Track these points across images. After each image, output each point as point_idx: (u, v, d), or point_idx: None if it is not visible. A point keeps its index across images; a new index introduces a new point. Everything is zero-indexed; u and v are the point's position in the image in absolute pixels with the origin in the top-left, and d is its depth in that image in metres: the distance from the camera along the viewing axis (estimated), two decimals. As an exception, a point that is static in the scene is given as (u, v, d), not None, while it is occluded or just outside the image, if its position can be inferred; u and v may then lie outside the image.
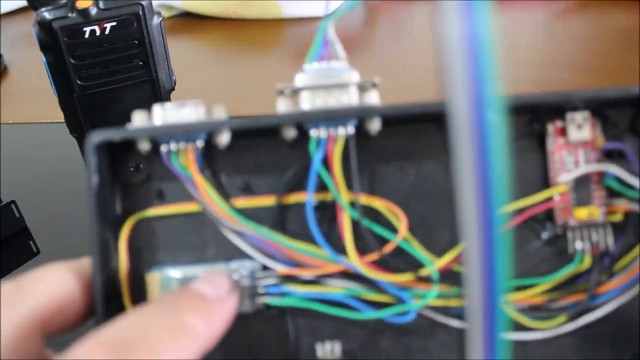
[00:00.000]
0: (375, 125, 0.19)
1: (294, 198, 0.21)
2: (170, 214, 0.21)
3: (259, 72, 0.65)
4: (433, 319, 0.21)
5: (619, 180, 0.20)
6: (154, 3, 0.38)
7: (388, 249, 0.20)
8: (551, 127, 0.20)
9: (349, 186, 0.20)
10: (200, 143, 0.20)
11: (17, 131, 0.56)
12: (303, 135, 0.20)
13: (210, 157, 0.20)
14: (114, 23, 0.36)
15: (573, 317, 0.20)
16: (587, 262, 0.21)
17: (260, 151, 0.21)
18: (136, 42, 0.37)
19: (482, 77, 0.12)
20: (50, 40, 0.36)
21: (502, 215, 0.12)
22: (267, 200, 0.21)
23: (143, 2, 0.37)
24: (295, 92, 0.20)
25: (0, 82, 0.65)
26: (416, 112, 0.20)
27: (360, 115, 0.19)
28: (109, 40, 0.37)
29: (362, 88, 0.20)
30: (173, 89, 0.41)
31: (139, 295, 0.21)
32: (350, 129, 0.20)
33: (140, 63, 0.38)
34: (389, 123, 0.20)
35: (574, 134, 0.20)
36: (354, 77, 0.20)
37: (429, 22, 0.73)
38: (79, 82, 0.37)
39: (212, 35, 0.73)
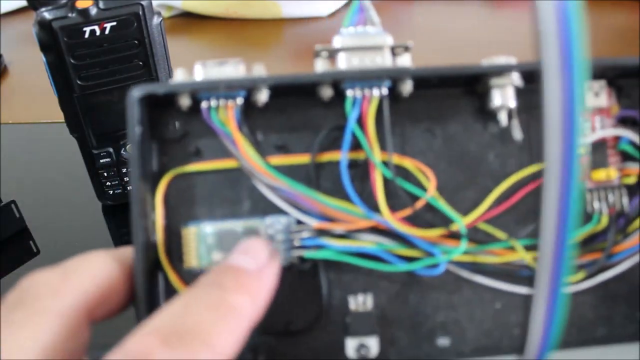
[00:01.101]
0: (407, 87, 0.20)
1: (328, 156, 0.21)
2: (206, 170, 0.21)
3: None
4: (460, 275, 0.21)
5: (633, 144, 0.21)
6: (154, 3, 0.38)
7: (418, 205, 0.21)
8: None
9: (382, 146, 0.21)
10: (239, 100, 0.20)
11: (17, 131, 0.56)
12: (338, 95, 0.21)
13: (248, 115, 0.21)
14: (114, 23, 0.36)
15: (591, 275, 0.21)
16: (604, 222, 0.22)
17: (296, 111, 0.21)
18: (136, 42, 0.37)
19: (572, 43, 0.14)
20: (50, 40, 0.36)
21: (578, 161, 0.13)
22: (302, 158, 0.21)
23: (143, 2, 0.37)
24: (332, 54, 0.21)
25: (0, 82, 0.65)
26: (446, 74, 0.21)
27: (394, 76, 0.20)
28: (109, 40, 0.37)
29: (396, 51, 0.21)
30: (173, 89, 0.41)
31: (176, 249, 0.21)
32: (384, 90, 0.20)
33: (140, 63, 0.38)
34: (419, 86, 0.21)
35: (591, 101, 0.21)
36: (388, 40, 0.21)
37: (428, 22, 0.73)
38: (79, 82, 0.37)
39: (212, 35, 0.73)
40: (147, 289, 0.19)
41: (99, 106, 0.39)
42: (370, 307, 0.21)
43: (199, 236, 0.21)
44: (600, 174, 0.22)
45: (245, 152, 0.20)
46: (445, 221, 0.21)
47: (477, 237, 0.21)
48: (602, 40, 0.68)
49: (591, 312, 0.22)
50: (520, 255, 0.21)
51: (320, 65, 0.21)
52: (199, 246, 0.21)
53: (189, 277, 0.21)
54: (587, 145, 0.21)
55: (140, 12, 0.37)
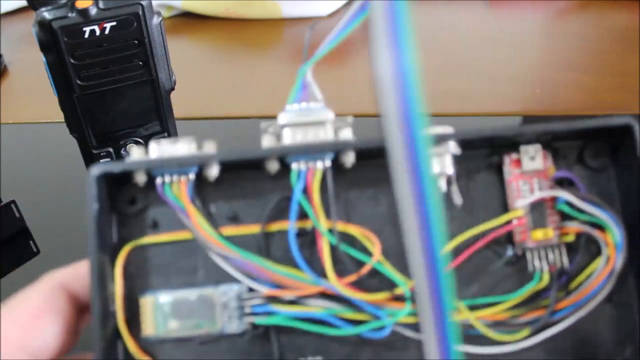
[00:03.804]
0: (349, 158, 0.22)
1: (277, 226, 0.22)
2: (163, 241, 0.22)
3: (259, 72, 0.65)
4: (406, 335, 0.22)
5: (570, 204, 0.22)
6: (154, 3, 0.38)
7: (364, 270, 0.22)
8: (507, 159, 0.23)
9: (328, 214, 0.22)
10: (192, 175, 0.22)
11: (17, 131, 0.56)
12: (285, 168, 0.22)
13: (201, 189, 0.22)
14: (114, 23, 0.36)
15: (535, 331, 0.22)
16: (546, 279, 0.23)
17: (246, 184, 0.23)
18: (136, 42, 0.37)
19: (411, 106, 0.14)
20: (50, 40, 0.36)
21: (443, 246, 0.14)
22: (253, 229, 0.22)
23: (143, 2, 0.37)
24: (277, 130, 0.22)
25: (0, 82, 0.65)
26: (384, 146, 0.21)
27: (335, 149, 0.22)
28: (109, 40, 0.37)
29: (338, 126, 0.22)
30: (173, 89, 0.41)
31: (133, 317, 0.22)
32: (328, 162, 0.22)
33: (140, 63, 0.38)
34: (362, 156, 0.22)
35: (528, 164, 0.23)
36: (330, 115, 0.22)
37: (428, 22, 0.73)
38: (79, 82, 0.37)
39: (212, 35, 0.73)
40: (106, 357, 0.20)
41: (99, 106, 0.39)
42: None
43: (156, 305, 0.22)
44: (539, 234, 0.23)
45: (198, 224, 0.22)
46: (391, 284, 0.22)
47: None
48: (602, 40, 0.68)
49: None
50: (465, 315, 0.22)
51: (267, 141, 0.22)
52: (155, 315, 0.22)
53: (147, 345, 0.22)
54: (526, 206, 0.23)
55: (140, 12, 0.37)
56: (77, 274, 0.22)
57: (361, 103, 0.55)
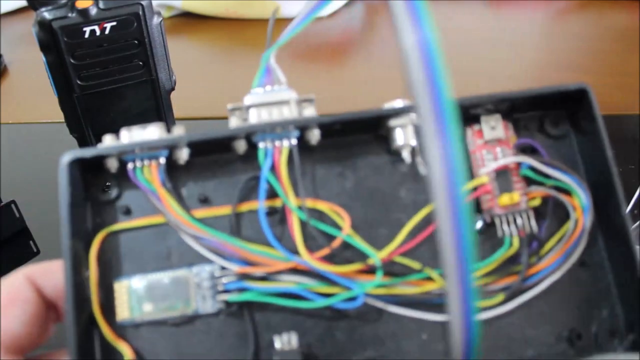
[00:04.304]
0: (315, 136, 0.22)
1: (248, 206, 0.23)
2: (136, 226, 0.23)
3: (259, 72, 0.65)
4: (381, 308, 0.22)
5: (534, 170, 0.23)
6: (154, 3, 0.38)
7: (335, 244, 0.22)
8: (469, 131, 0.23)
9: (296, 192, 0.22)
10: (162, 160, 0.22)
11: (17, 131, 0.56)
12: (253, 148, 0.22)
13: (172, 173, 0.22)
14: (114, 23, 0.36)
15: (510, 297, 0.22)
16: (516, 245, 0.23)
17: (216, 165, 0.23)
18: (136, 42, 0.37)
19: (436, 77, 0.14)
20: (50, 40, 0.36)
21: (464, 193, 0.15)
22: (225, 210, 0.23)
23: (143, 2, 0.37)
24: (244, 110, 0.23)
25: (0, 82, 0.65)
26: (347, 119, 0.22)
27: (299, 125, 0.22)
28: (109, 40, 0.37)
29: (301, 105, 0.23)
30: (173, 89, 0.41)
31: (108, 303, 0.22)
32: (293, 140, 0.22)
33: (140, 63, 0.38)
34: (327, 134, 0.22)
35: (489, 133, 0.23)
36: (293, 95, 0.23)
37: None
38: (79, 82, 0.37)
39: (212, 35, 0.73)
40: (80, 344, 0.20)
41: (99, 106, 0.39)
42: (296, 345, 0.22)
43: (130, 289, 0.22)
44: (505, 199, 0.23)
45: (170, 207, 0.22)
46: (363, 257, 0.22)
47: (394, 270, 0.22)
48: (602, 40, 0.68)
49: (518, 333, 0.23)
50: (438, 284, 0.22)
51: (234, 122, 0.23)
52: (130, 299, 0.22)
53: (122, 330, 0.22)
54: (490, 173, 0.23)
55: (140, 12, 0.37)
56: (46, 270, 0.22)
57: (361, 103, 0.55)
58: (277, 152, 0.22)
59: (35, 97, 0.59)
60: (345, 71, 0.64)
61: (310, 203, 0.23)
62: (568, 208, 0.23)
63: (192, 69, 0.64)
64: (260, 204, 0.22)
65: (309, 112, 0.23)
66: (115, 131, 0.22)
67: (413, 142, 0.22)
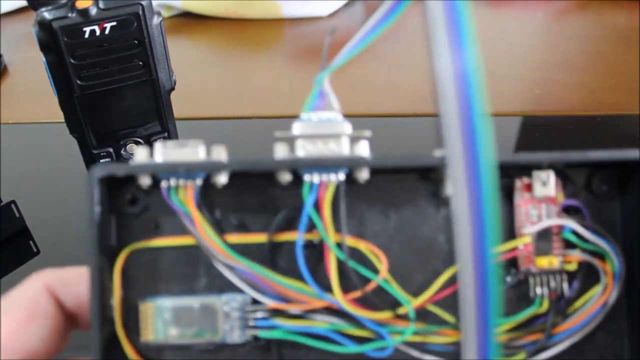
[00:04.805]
0: (364, 175, 0.21)
1: (284, 237, 0.22)
2: (165, 245, 0.22)
3: (259, 72, 0.65)
4: (409, 355, 0.22)
5: (575, 233, 0.23)
6: (154, 3, 0.38)
7: (369, 288, 0.22)
8: (519, 183, 0.23)
9: (337, 228, 0.21)
10: (199, 181, 0.21)
11: (17, 131, 0.56)
12: (297, 179, 0.21)
13: (208, 194, 0.21)
14: (114, 23, 0.36)
15: (531, 354, 0.22)
16: (545, 305, 0.23)
17: (255, 191, 0.22)
18: (136, 42, 0.37)
19: (474, 108, 0.13)
20: (50, 40, 0.36)
21: (494, 252, 0.13)
22: (259, 237, 0.22)
23: (143, 2, 0.37)
24: (292, 139, 0.22)
25: (0, 82, 0.65)
26: (400, 166, 0.21)
27: (350, 165, 0.21)
28: (109, 40, 0.37)
29: (354, 139, 0.22)
30: (173, 89, 0.41)
31: (132, 323, 0.21)
32: (341, 176, 0.21)
33: (140, 63, 0.38)
34: (376, 172, 0.22)
35: (539, 190, 0.22)
36: (347, 128, 0.22)
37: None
38: (79, 82, 0.37)
39: (212, 35, 0.73)
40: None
41: (99, 106, 0.39)
42: None
43: (157, 311, 0.21)
44: (543, 261, 0.22)
45: (203, 231, 0.21)
46: (396, 302, 0.22)
47: (426, 318, 0.22)
48: (602, 40, 0.68)
49: None
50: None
51: (280, 152, 0.21)
52: (156, 321, 0.21)
53: (146, 349, 0.21)
54: (533, 233, 0.23)
55: (140, 12, 0.37)
56: (65, 281, 0.21)
57: (363, 103, 0.55)
58: (323, 187, 0.21)
59: (35, 97, 0.59)
60: (345, 71, 0.64)
61: (350, 242, 0.22)
62: (600, 273, 0.22)
63: (192, 69, 0.64)
64: (298, 238, 0.21)
65: (363, 149, 0.21)
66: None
67: None
